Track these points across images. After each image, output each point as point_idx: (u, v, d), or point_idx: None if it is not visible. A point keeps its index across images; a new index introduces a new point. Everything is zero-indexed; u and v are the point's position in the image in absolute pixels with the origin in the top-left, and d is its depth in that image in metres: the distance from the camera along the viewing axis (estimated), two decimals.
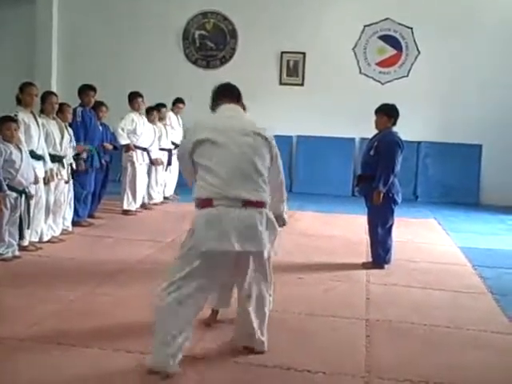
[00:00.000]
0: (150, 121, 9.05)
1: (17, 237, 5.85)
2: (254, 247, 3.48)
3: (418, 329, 4.44)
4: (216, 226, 3.40)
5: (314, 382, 3.50)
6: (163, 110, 9.45)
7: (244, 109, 4.01)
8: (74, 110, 7.26)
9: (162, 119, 9.45)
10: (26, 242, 6.07)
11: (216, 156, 3.49)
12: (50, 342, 3.85)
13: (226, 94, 3.95)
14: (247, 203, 3.44)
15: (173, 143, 9.68)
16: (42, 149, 6.20)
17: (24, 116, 6.01)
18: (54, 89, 10.79)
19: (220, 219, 3.41)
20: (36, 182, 6.01)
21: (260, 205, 3.49)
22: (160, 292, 3.48)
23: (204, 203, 3.47)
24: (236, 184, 3.45)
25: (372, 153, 6.02)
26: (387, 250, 6.12)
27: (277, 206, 3.78)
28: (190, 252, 3.49)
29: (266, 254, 3.56)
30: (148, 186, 9.14)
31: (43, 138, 6.24)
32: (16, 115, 5.90)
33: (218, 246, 3.39)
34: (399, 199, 6.08)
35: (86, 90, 7.58)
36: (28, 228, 5.92)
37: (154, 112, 9.16)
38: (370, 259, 6.21)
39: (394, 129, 6.18)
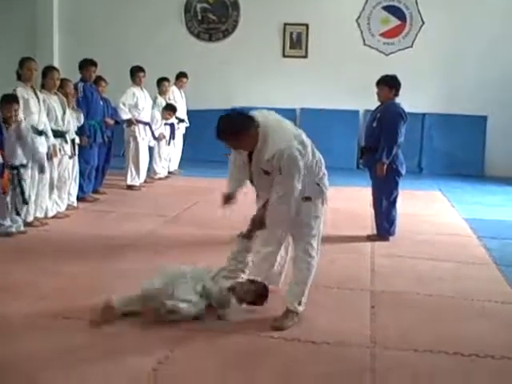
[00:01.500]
0: (162, 92, 9.09)
1: (21, 212, 5.86)
2: None
3: (423, 299, 4.45)
4: None
5: (318, 352, 3.52)
6: (166, 83, 9.40)
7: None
8: (76, 85, 7.23)
9: (164, 93, 9.40)
10: (30, 218, 6.08)
11: None
12: (56, 315, 3.88)
13: None
14: None
15: (176, 117, 9.64)
16: (44, 124, 6.17)
17: (23, 91, 5.97)
18: (55, 64, 10.71)
19: None
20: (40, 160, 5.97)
21: None
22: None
23: None
24: None
25: (375, 124, 5.99)
26: (392, 221, 6.12)
27: None
28: None
29: None
30: (152, 161, 9.14)
31: (45, 113, 6.21)
32: (15, 90, 5.87)
33: None
34: (403, 171, 6.06)
35: (86, 64, 7.53)
36: (24, 203, 5.87)
37: (165, 83, 9.26)
38: (375, 231, 6.21)
39: (398, 100, 6.13)
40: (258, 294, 3.86)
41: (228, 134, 3.71)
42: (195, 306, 3.84)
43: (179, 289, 3.84)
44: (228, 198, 4.20)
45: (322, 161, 4.01)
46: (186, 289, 3.88)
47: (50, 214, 6.49)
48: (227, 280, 4.02)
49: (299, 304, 3.91)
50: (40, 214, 6.29)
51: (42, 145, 6.07)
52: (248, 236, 4.17)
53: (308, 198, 3.85)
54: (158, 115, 9.00)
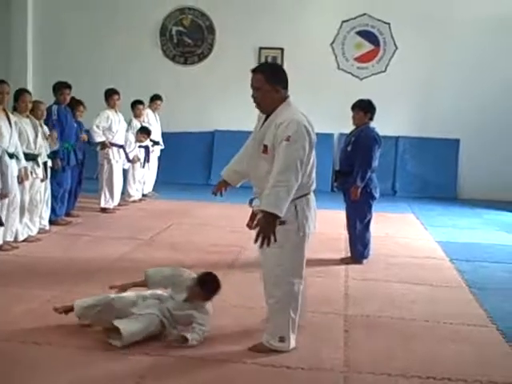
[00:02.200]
0: (137, 115, 9.11)
1: None
2: None
3: (396, 323, 4.46)
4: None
5: (293, 377, 3.50)
6: (140, 106, 9.39)
7: None
8: (50, 108, 7.18)
9: (139, 116, 9.38)
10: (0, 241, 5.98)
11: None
12: (26, 341, 3.81)
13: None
14: None
15: (150, 140, 9.62)
16: (15, 147, 6.09)
17: None
18: (29, 86, 10.66)
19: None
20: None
21: None
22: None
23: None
24: None
25: (349, 148, 6.04)
26: (365, 245, 6.15)
27: None
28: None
29: None
30: (126, 184, 9.08)
31: (16, 136, 6.13)
32: None
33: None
34: (377, 194, 6.11)
35: (60, 87, 7.47)
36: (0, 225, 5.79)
37: (140, 106, 9.30)
38: (349, 254, 6.23)
39: (372, 124, 6.19)
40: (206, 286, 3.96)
41: (265, 71, 3.81)
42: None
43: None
44: (222, 184, 4.20)
45: (313, 177, 3.85)
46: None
47: (21, 238, 6.38)
48: None
49: (279, 340, 3.76)
50: (10, 238, 6.17)
51: (12, 168, 6.00)
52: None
53: (282, 222, 3.61)
54: (132, 138, 8.97)
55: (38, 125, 6.56)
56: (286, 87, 3.82)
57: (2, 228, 5.96)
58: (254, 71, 3.81)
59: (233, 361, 3.66)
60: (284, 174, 3.52)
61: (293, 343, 3.80)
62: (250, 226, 3.88)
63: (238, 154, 4.18)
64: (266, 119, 3.79)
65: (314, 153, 3.79)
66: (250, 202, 3.91)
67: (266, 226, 3.52)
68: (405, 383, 3.46)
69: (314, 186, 3.86)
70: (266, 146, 3.68)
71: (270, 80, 3.74)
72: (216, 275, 4.10)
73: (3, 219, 5.90)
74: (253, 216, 3.87)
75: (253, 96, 3.82)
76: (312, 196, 3.86)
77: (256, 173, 3.81)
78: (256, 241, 3.55)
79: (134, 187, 9.33)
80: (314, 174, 3.83)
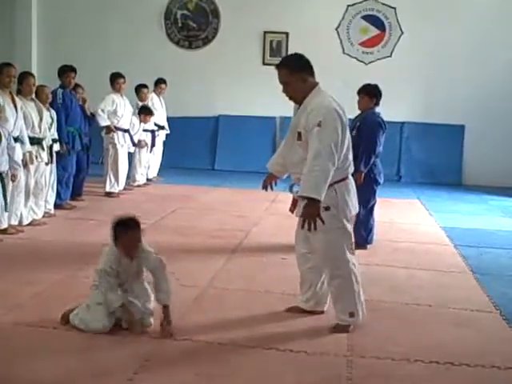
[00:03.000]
0: (141, 99, 9.14)
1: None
2: None
3: (400, 308, 4.48)
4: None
5: (296, 361, 3.51)
6: (145, 90, 9.37)
7: None
8: (55, 92, 7.18)
9: (144, 100, 9.37)
10: (4, 225, 6.00)
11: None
12: (32, 325, 3.83)
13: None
14: None
15: (156, 124, 9.63)
16: (20, 131, 6.10)
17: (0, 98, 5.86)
18: (33, 70, 10.63)
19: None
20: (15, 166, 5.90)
21: None
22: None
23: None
24: None
25: (354, 133, 6.00)
26: (369, 230, 6.15)
27: None
28: None
29: None
30: (132, 168, 9.09)
31: (21, 120, 6.13)
32: None
33: None
34: (381, 180, 6.10)
35: (66, 71, 7.48)
36: (6, 210, 5.83)
37: (144, 89, 9.27)
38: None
39: (377, 109, 6.17)
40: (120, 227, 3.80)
41: (287, 64, 3.85)
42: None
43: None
44: (270, 178, 4.22)
45: (349, 160, 3.89)
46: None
47: (26, 222, 6.41)
48: None
49: (349, 316, 3.91)
50: (14, 222, 6.20)
51: (18, 151, 6.02)
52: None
53: (326, 208, 3.72)
54: (136, 121, 8.97)
55: (42, 108, 6.56)
56: (312, 74, 3.88)
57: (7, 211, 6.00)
58: (277, 66, 3.85)
59: (236, 344, 3.67)
60: (319, 159, 3.60)
61: (361, 315, 3.96)
62: (292, 210, 4.00)
63: (281, 146, 4.23)
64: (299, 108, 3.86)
65: (348, 135, 3.84)
66: (291, 189, 4.03)
67: (309, 210, 3.64)
68: (408, 367, 3.48)
69: (351, 169, 3.94)
70: (299, 133, 3.77)
71: (295, 72, 3.81)
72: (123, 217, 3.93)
73: (8, 203, 5.93)
74: (294, 202, 3.97)
75: (283, 91, 3.87)
76: (351, 179, 3.95)
77: (292, 160, 3.90)
78: (303, 226, 3.69)
79: (139, 171, 9.35)
80: (350, 157, 3.90)
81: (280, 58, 4.13)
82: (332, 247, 3.86)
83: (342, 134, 3.73)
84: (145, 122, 9.11)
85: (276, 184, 4.29)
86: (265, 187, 4.23)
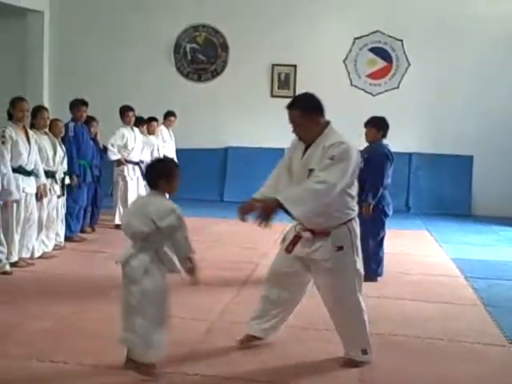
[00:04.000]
0: (141, 132, 9.10)
1: (5, 251, 5.81)
2: None
3: (411, 342, 4.45)
4: None
5: None
6: (154, 123, 9.45)
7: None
8: (66, 125, 7.27)
9: (153, 133, 9.45)
10: (15, 258, 6.03)
11: None
12: (43, 359, 3.82)
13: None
14: None
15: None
16: (35, 164, 6.16)
17: (12, 132, 5.89)
18: (45, 103, 10.76)
19: None
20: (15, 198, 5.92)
21: None
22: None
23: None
24: None
25: (361, 165, 6.03)
26: (379, 262, 6.13)
27: None
28: None
29: None
30: None
31: (36, 153, 6.20)
32: (4, 131, 5.86)
33: None
34: (390, 211, 6.10)
35: (77, 104, 7.58)
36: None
37: (140, 125, 9.10)
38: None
39: (385, 141, 6.20)
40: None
41: (300, 105, 3.79)
42: None
43: None
44: (248, 207, 3.82)
45: (354, 200, 3.86)
46: None
47: (37, 255, 6.44)
48: None
49: (362, 353, 3.89)
50: (26, 255, 6.22)
51: (31, 185, 6.09)
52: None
53: (340, 248, 3.70)
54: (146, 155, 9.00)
55: (56, 142, 6.65)
56: (323, 113, 3.84)
57: (18, 244, 6.03)
58: (289, 107, 3.79)
59: (247, 379, 3.65)
60: (320, 184, 3.54)
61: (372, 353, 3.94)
62: (289, 250, 3.92)
63: (269, 180, 4.08)
64: (307, 147, 3.79)
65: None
66: (295, 227, 3.92)
67: (266, 211, 3.58)
68: None
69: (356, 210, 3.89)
70: (311, 170, 3.68)
71: (306, 113, 3.75)
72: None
73: (18, 236, 5.96)
74: (295, 240, 3.88)
75: (294, 131, 3.83)
76: (357, 219, 3.89)
77: None
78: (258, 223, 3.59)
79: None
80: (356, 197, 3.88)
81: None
82: (345, 289, 3.81)
83: (354, 173, 3.73)
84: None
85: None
86: (242, 218, 3.83)
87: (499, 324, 4.89)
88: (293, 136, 3.94)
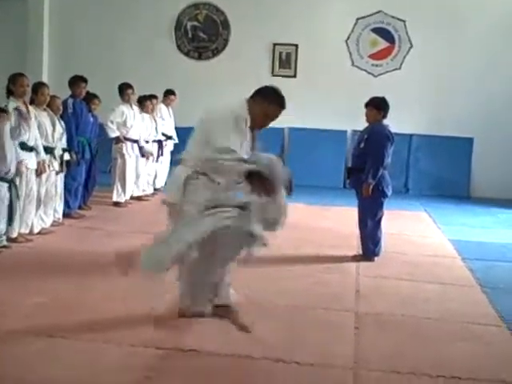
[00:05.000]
0: (145, 111, 9.07)
1: (4, 228, 5.81)
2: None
3: (407, 321, 4.47)
4: None
5: (302, 373, 3.52)
6: (154, 101, 9.42)
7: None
8: (65, 102, 7.23)
9: (152, 111, 9.42)
10: (15, 234, 6.04)
11: None
12: (41, 334, 3.84)
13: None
14: None
15: (164, 134, 9.68)
16: (35, 140, 6.15)
17: (15, 106, 5.90)
18: (44, 80, 10.71)
19: None
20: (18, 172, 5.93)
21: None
22: None
23: None
24: None
25: (362, 146, 6.04)
26: (377, 242, 6.14)
27: None
28: None
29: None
30: (138, 178, 9.11)
31: (36, 129, 6.19)
32: (6, 106, 5.85)
33: None
34: (389, 192, 6.10)
35: (77, 81, 7.54)
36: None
37: (147, 102, 9.13)
38: (361, 252, 6.23)
39: (386, 121, 6.18)
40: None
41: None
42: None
43: None
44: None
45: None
46: None
47: (36, 231, 6.44)
48: None
49: None
50: (25, 230, 6.23)
51: (32, 161, 6.08)
52: None
53: None
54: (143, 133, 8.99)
55: (55, 118, 6.62)
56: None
57: (18, 220, 6.03)
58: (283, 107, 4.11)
59: (241, 356, 3.67)
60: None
61: None
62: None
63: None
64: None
65: None
66: None
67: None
68: (414, 381, 3.47)
69: None
70: None
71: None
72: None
73: (19, 211, 5.95)
74: None
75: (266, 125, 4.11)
76: None
77: None
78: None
79: (146, 181, 9.37)
80: None
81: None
82: None
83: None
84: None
85: None
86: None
87: (495, 305, 4.91)
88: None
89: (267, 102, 3.96)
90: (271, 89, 4.04)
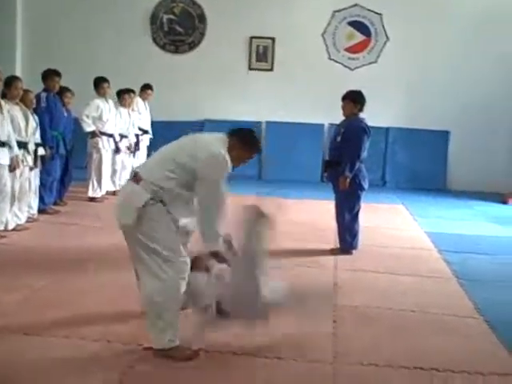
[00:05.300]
0: (123, 105, 8.98)
1: None
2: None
3: (384, 314, 4.48)
4: None
5: (281, 368, 3.51)
6: (132, 95, 9.33)
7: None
8: (38, 96, 7.13)
9: (130, 105, 9.33)
10: None
11: None
12: (16, 331, 3.79)
13: None
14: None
15: (140, 129, 9.60)
16: (8, 135, 6.05)
17: None
18: (17, 74, 10.55)
19: None
20: None
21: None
22: None
23: None
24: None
25: (339, 139, 6.04)
26: (354, 235, 6.16)
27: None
28: None
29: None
30: (115, 173, 9.02)
31: (9, 124, 6.09)
32: None
33: None
34: (366, 185, 6.11)
35: (50, 74, 7.44)
36: None
37: (125, 95, 9.05)
38: (338, 245, 6.24)
39: (362, 115, 6.19)
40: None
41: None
42: None
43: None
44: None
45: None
46: None
47: (10, 227, 6.34)
48: None
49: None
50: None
51: (4, 156, 5.98)
52: None
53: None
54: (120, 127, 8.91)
55: (27, 112, 6.52)
56: None
57: None
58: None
59: (223, 352, 3.66)
60: None
61: None
62: None
63: None
64: None
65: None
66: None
67: None
68: (392, 374, 3.49)
69: None
70: None
71: None
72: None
73: None
74: None
75: None
76: None
77: None
78: None
79: (122, 176, 9.29)
80: None
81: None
82: None
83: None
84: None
85: None
86: None
87: (471, 297, 4.95)
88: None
89: (246, 148, 3.79)
90: (249, 134, 3.88)
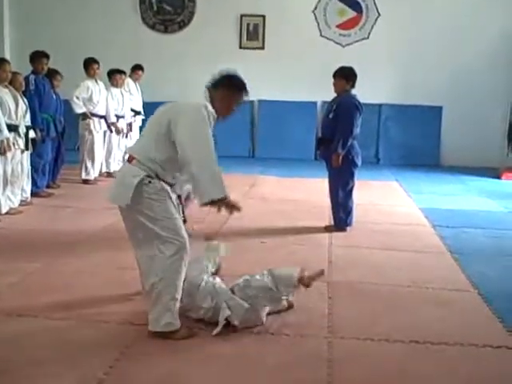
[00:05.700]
0: (114, 85, 8.91)
1: None
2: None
3: (380, 289, 4.50)
4: None
5: (277, 343, 3.52)
6: (123, 76, 9.25)
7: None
8: (27, 78, 7.05)
9: (121, 85, 9.26)
10: None
11: None
12: (10, 313, 3.79)
13: None
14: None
15: (132, 110, 9.53)
16: None
17: None
18: (6, 56, 10.45)
19: None
20: None
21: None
22: None
23: None
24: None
25: (331, 116, 6.02)
26: (348, 212, 6.17)
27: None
28: None
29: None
30: (108, 154, 8.98)
31: None
32: None
33: None
34: (359, 162, 6.10)
35: (38, 56, 7.36)
36: None
37: (117, 75, 8.97)
38: (332, 222, 6.25)
39: (355, 91, 6.16)
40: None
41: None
42: None
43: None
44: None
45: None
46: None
47: (3, 211, 6.32)
48: None
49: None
50: None
51: None
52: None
53: None
54: (111, 108, 8.85)
55: (17, 95, 6.46)
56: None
57: None
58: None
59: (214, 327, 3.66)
60: None
61: None
62: None
63: None
64: None
65: None
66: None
67: None
68: (388, 348, 3.51)
69: None
70: None
71: None
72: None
73: None
74: None
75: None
76: None
77: None
78: None
79: (115, 157, 9.26)
80: None
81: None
82: None
83: None
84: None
85: None
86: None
87: (465, 271, 4.98)
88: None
89: (231, 90, 3.66)
90: (232, 76, 3.73)
